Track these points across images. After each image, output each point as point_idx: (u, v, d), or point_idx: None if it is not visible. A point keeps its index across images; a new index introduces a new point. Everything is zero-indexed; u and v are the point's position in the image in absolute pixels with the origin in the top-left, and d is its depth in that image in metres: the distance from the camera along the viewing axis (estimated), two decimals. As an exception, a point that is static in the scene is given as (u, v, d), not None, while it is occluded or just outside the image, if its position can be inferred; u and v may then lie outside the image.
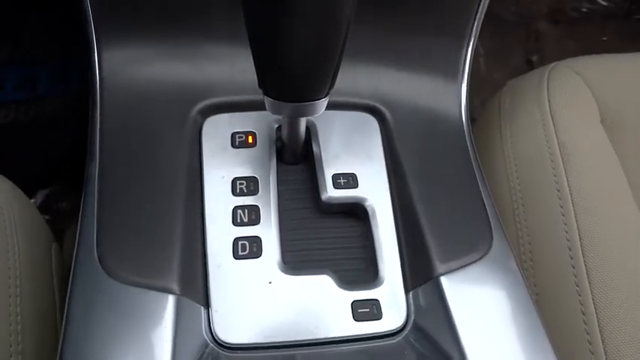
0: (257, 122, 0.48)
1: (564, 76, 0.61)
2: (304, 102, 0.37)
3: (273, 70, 0.35)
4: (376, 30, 0.49)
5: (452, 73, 0.51)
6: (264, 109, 0.39)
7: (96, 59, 0.47)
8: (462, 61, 0.51)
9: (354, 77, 0.50)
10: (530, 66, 1.24)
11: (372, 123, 0.50)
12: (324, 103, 0.38)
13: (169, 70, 0.48)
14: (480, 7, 0.50)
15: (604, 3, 1.32)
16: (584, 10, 1.32)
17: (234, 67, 0.48)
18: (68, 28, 0.82)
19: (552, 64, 0.63)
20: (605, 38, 1.29)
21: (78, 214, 0.42)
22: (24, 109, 0.86)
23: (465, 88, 0.51)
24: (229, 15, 0.45)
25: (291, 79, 0.36)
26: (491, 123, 0.62)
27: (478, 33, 0.51)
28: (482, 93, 0.96)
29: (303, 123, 0.44)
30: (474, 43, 0.51)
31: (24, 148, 0.93)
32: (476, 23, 0.50)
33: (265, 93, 0.37)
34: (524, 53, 1.26)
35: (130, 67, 0.47)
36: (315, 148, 0.47)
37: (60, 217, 0.91)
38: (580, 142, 0.54)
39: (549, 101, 0.58)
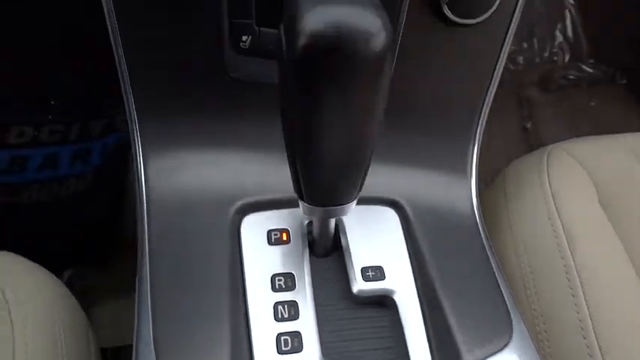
0: (289, 219, 0.51)
1: (561, 159, 0.65)
2: (336, 206, 0.41)
3: (311, 185, 0.40)
4: (391, 135, 0.53)
5: (461, 169, 0.56)
6: (295, 206, 0.43)
7: (142, 170, 0.51)
8: (470, 159, 0.57)
9: (374, 175, 0.54)
10: (526, 132, 1.30)
11: (393, 216, 0.54)
12: (353, 204, 0.42)
13: (208, 175, 0.52)
14: (482, 115, 0.55)
15: (590, 70, 1.39)
16: (572, 77, 1.39)
17: (267, 168, 0.52)
18: (89, 110, 0.87)
19: (549, 147, 0.68)
20: (592, 103, 1.36)
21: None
22: (46, 189, 0.88)
23: (475, 181, 0.56)
24: (263, 124, 0.50)
25: (326, 189, 0.40)
26: (497, 206, 0.66)
27: (482, 134, 0.56)
28: (481, 161, 1.02)
29: (332, 221, 0.47)
30: (479, 142, 0.56)
31: (46, 228, 0.95)
32: (479, 127, 0.56)
33: (301, 198, 0.42)
34: (518, 120, 1.33)
35: (172, 175, 0.51)
36: (343, 242, 0.51)
37: (83, 297, 0.93)
38: (582, 224, 0.58)
39: (550, 185, 0.62)
